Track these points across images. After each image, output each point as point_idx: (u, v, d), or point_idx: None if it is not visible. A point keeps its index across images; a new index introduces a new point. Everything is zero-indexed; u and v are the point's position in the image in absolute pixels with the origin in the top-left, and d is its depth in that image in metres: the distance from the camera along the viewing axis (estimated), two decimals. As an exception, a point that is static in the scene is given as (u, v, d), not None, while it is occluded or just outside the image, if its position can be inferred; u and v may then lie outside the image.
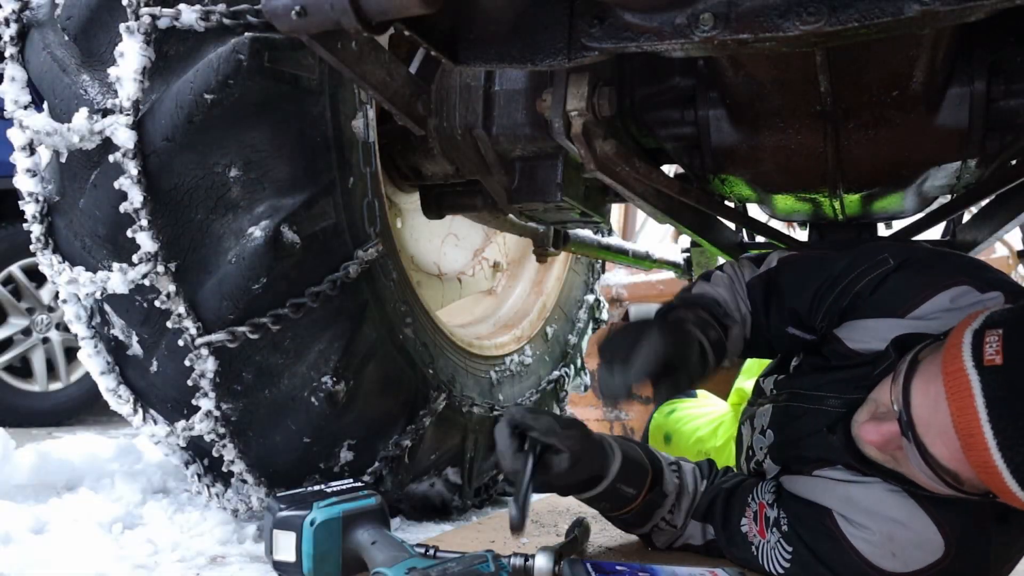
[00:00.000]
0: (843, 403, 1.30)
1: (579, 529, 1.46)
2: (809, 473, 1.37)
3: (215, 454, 1.66)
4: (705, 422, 2.26)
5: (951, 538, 1.21)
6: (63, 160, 1.52)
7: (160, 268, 1.48)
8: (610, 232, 2.81)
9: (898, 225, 2.22)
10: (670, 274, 3.25)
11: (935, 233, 2.30)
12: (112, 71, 1.44)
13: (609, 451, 1.38)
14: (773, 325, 1.47)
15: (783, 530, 1.37)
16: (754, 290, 1.48)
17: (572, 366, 2.65)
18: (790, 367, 1.55)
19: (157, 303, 1.52)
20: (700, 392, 2.50)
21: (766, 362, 2.08)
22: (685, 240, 3.22)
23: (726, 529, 1.45)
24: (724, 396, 2.52)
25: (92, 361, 1.68)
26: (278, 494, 1.43)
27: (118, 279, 1.50)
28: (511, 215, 1.92)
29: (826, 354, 1.40)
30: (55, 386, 3.98)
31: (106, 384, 1.69)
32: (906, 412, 1.08)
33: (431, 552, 1.30)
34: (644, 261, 3.00)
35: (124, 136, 1.43)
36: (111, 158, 1.45)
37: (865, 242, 1.43)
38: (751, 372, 2.28)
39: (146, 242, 1.47)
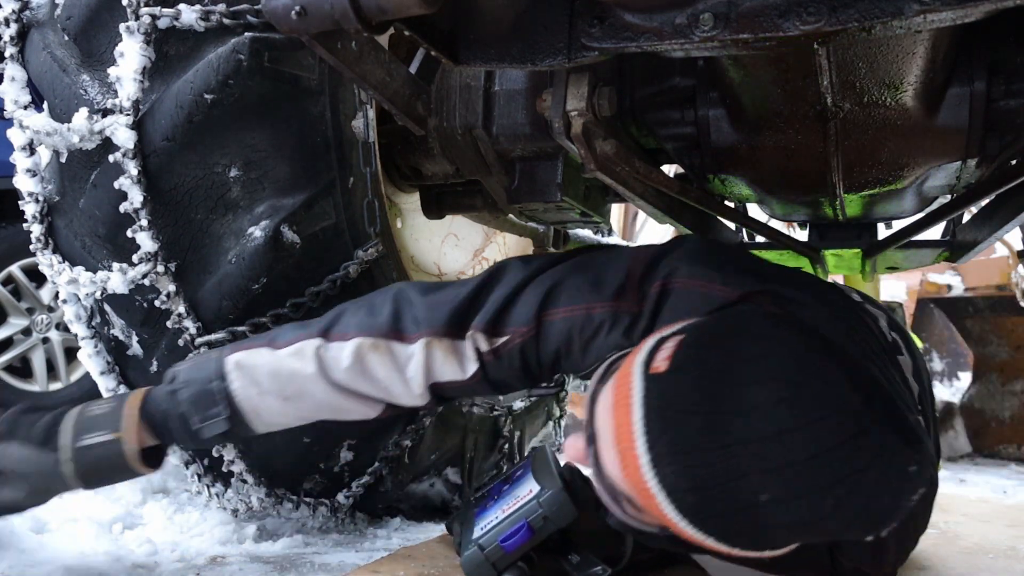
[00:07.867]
0: None
1: None
2: None
3: (215, 454, 1.66)
4: None
5: None
6: (63, 160, 1.52)
7: (160, 268, 1.48)
8: (610, 232, 2.81)
9: (898, 225, 2.21)
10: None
11: (935, 233, 2.29)
12: (112, 71, 1.44)
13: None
14: None
15: None
16: None
17: (572, 366, 2.64)
18: None
19: (157, 303, 1.52)
20: None
21: None
22: (685, 240, 3.21)
23: None
24: None
25: (92, 361, 1.68)
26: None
27: (118, 279, 1.50)
28: (511, 215, 1.92)
29: None
30: (55, 386, 3.97)
31: (106, 384, 1.69)
32: (590, 423, 0.93)
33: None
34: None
35: (124, 136, 1.44)
36: (111, 158, 1.45)
37: None
38: None
39: (146, 242, 1.47)
